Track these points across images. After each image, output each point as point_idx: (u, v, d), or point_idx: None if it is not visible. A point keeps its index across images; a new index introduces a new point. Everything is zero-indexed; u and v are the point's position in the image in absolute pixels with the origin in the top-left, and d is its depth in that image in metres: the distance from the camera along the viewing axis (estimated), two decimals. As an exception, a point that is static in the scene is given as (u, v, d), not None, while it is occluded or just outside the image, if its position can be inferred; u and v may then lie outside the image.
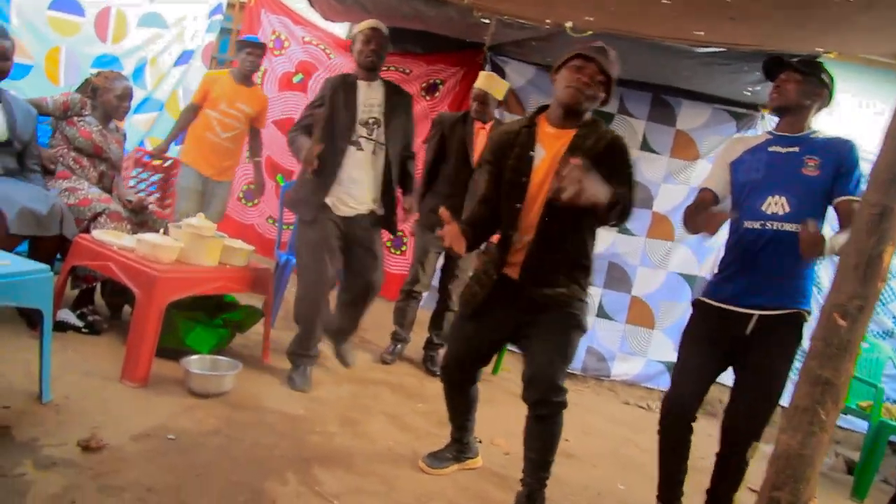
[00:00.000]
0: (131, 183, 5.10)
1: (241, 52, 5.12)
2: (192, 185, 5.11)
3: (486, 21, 4.96)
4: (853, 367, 1.61)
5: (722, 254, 2.98)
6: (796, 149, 2.77)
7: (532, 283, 2.73)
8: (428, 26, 5.66)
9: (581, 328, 2.77)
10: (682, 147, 5.84)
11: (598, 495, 3.35)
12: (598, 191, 2.41)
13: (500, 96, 4.61)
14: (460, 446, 3.21)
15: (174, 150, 5.39)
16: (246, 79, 5.15)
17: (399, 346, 4.80)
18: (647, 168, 5.84)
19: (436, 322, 4.86)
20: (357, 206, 3.73)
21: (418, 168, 4.57)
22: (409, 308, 4.76)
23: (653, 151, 5.85)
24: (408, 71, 6.31)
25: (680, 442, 2.90)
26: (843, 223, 2.66)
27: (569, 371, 5.60)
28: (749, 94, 5.36)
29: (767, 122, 5.47)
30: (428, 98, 6.26)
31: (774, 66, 2.88)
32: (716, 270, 3.04)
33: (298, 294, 3.74)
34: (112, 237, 3.42)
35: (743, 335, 2.76)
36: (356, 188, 3.71)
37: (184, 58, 6.20)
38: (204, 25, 6.32)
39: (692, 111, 5.83)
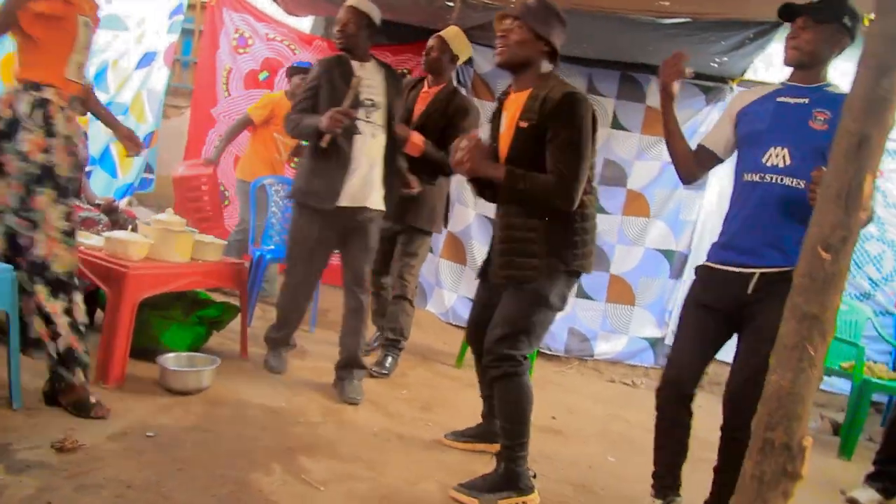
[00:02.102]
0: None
1: (295, 77, 5.25)
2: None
3: (451, 4, 4.91)
4: (839, 301, 1.58)
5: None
6: (806, 100, 2.57)
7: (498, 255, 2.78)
8: (394, 14, 5.60)
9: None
10: (653, 123, 5.81)
11: (589, 468, 3.32)
12: (484, 168, 2.68)
13: (459, 53, 4.26)
14: (485, 432, 3.21)
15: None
16: None
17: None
18: (620, 146, 5.85)
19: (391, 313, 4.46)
20: (361, 199, 3.60)
21: None
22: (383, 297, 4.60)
23: (624, 129, 5.85)
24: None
25: (677, 421, 2.70)
26: None
27: (552, 353, 5.62)
28: (716, 65, 5.36)
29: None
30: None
31: (789, 11, 2.61)
32: (720, 230, 2.78)
33: (283, 286, 3.79)
34: (79, 237, 3.33)
35: (745, 295, 2.54)
36: (360, 178, 3.58)
37: (146, 60, 6.09)
38: (165, 26, 6.20)
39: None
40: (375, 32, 3.68)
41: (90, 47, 2.82)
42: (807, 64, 2.58)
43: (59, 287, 2.69)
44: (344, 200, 3.55)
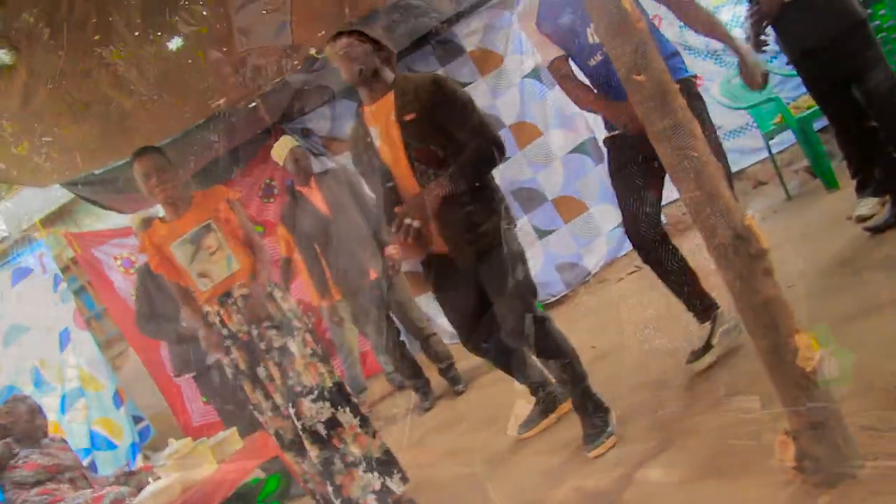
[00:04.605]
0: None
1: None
2: None
3: (254, 104, 5.00)
4: (684, 101, 1.69)
5: None
6: None
7: (458, 241, 2.80)
8: (223, 146, 5.70)
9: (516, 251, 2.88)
10: (485, 62, 5.95)
11: (650, 364, 3.38)
12: (435, 197, 2.62)
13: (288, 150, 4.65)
14: (545, 403, 3.24)
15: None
16: None
17: (426, 389, 4.83)
18: (477, 100, 5.92)
19: (429, 354, 4.83)
20: None
21: None
22: (406, 357, 4.80)
23: (467, 84, 5.96)
24: (240, 192, 6.34)
25: (665, 259, 2.94)
26: (679, 15, 2.84)
27: (556, 298, 5.69)
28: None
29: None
30: (271, 200, 6.29)
31: None
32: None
33: None
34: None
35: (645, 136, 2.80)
36: None
37: (63, 341, 6.12)
38: (57, 300, 6.23)
39: (468, 29, 5.92)
40: None
41: (202, 251, 3.25)
42: None
43: None
44: None
